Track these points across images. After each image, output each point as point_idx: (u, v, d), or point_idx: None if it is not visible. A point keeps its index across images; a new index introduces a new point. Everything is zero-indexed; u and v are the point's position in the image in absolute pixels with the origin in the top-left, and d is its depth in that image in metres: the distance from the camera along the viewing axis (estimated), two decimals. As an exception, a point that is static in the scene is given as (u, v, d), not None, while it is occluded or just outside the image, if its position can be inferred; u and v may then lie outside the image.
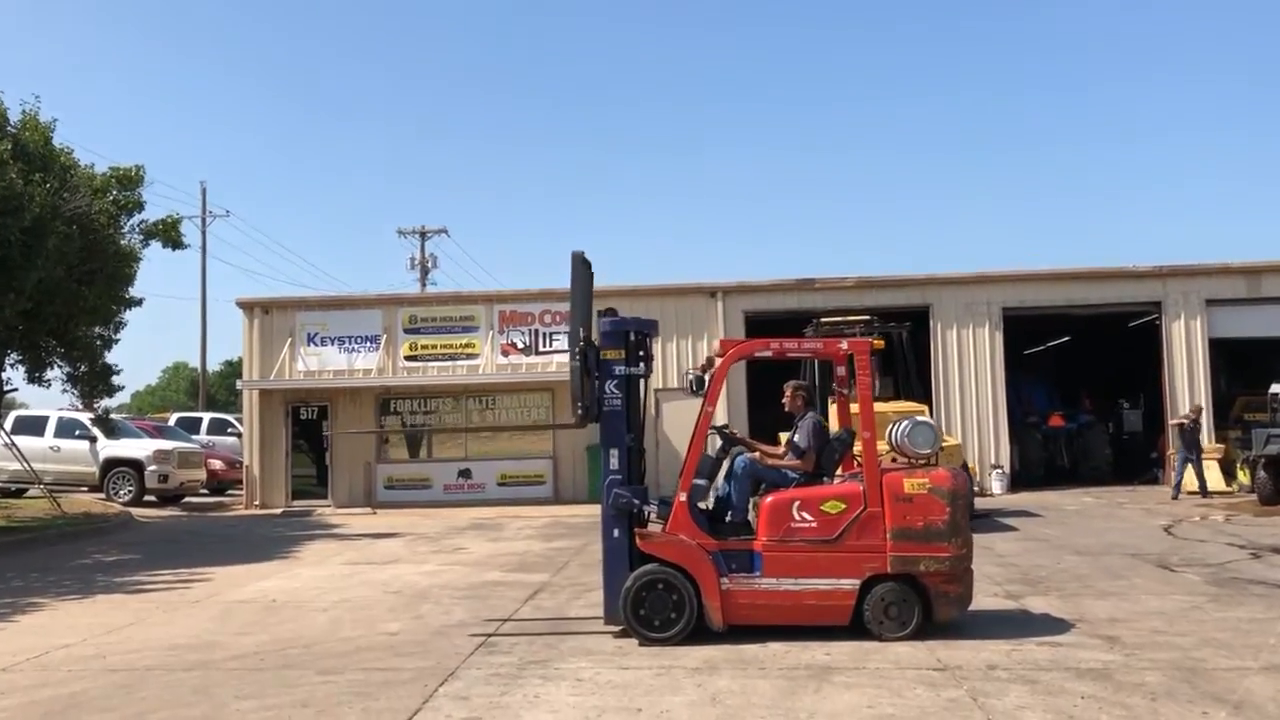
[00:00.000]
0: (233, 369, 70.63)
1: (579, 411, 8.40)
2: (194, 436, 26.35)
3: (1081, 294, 22.43)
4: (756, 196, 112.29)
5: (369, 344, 23.14)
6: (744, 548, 8.10)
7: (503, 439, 23.05)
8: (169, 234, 17.75)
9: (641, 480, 8.47)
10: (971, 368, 22.05)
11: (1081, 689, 6.56)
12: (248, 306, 23.49)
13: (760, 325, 23.00)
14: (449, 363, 23.06)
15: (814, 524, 7.99)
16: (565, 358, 22.40)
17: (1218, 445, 21.59)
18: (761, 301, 22.62)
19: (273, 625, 9.14)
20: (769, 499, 8.11)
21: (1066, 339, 27.31)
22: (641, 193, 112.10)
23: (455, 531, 16.94)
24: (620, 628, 8.22)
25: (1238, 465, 21.65)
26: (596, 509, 19.74)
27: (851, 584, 7.96)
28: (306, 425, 23.27)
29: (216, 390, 62.02)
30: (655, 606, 7.96)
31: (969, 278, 22.60)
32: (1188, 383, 21.87)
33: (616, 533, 8.26)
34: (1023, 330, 24.07)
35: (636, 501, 8.21)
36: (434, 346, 23.12)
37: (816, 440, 8.37)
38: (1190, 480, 20.21)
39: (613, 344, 8.42)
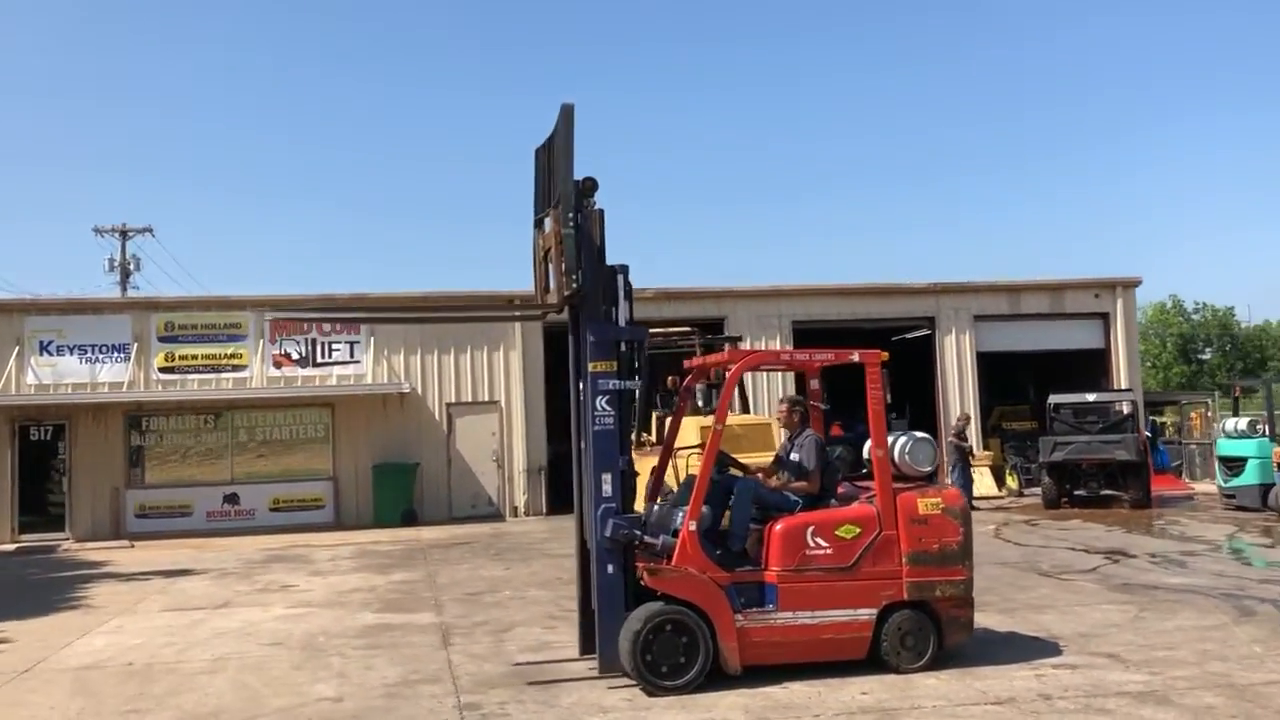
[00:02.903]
0: None
1: (574, 285, 7.36)
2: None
3: (865, 309, 23.18)
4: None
5: (116, 354, 20.33)
6: (754, 580, 7.35)
7: (274, 459, 20.84)
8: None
9: (633, 508, 7.51)
10: (764, 379, 22.17)
11: (1160, 717, 6.30)
12: (-37, 309, 20.07)
13: (559, 336, 22.10)
14: (212, 375, 20.64)
15: (829, 550, 7.38)
16: (346, 370, 20.80)
17: (987, 453, 22.88)
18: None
19: (167, 699, 7.44)
20: (779, 525, 7.40)
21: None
22: (411, 198, 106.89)
23: (257, 566, 15.01)
24: (614, 675, 7.26)
25: (1007, 472, 23.10)
26: (396, 534, 18.74)
27: (869, 614, 7.41)
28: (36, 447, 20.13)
29: None
30: (664, 651, 7.07)
31: (762, 291, 22.81)
32: (958, 394, 23.05)
33: (611, 568, 7.28)
34: (813, 343, 24.54)
35: (638, 533, 7.26)
36: (194, 357, 20.62)
37: (819, 460, 7.75)
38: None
39: (602, 355, 7.43)
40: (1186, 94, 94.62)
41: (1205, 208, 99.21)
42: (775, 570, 7.31)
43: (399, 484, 20.46)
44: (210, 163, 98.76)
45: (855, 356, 7.80)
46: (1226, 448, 18.12)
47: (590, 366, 7.40)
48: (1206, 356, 71.19)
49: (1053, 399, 20.14)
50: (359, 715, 6.84)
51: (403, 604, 11.27)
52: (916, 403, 25.64)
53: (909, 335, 24.16)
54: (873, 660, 7.42)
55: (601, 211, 7.63)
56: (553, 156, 7.72)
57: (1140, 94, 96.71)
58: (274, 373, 20.80)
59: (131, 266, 40.48)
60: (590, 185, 7.54)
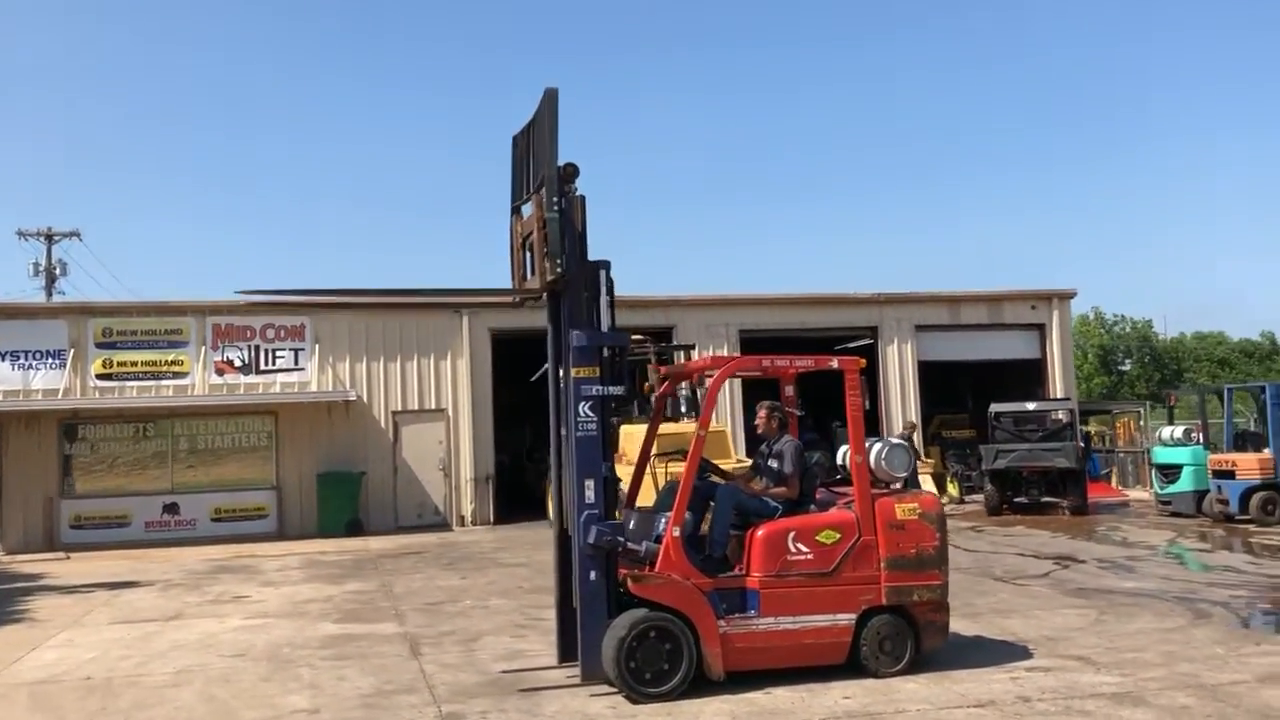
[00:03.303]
0: None
1: (558, 269, 7.35)
2: None
3: (811, 318, 23.38)
4: (484, 208, 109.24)
5: (52, 360, 19.76)
6: (736, 585, 7.38)
7: (216, 468, 20.37)
8: None
9: (615, 514, 7.49)
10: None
11: (1139, 717, 6.44)
12: (-111, 313, 19.37)
13: (506, 343, 22.07)
14: (152, 382, 20.16)
15: (810, 556, 7.43)
16: (290, 377, 20.46)
17: (929, 460, 23.22)
18: (509, 320, 21.59)
19: (134, 713, 7.25)
20: (761, 531, 7.44)
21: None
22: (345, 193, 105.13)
23: (204, 577, 14.67)
24: (594, 683, 7.25)
25: (948, 479, 23.46)
26: (343, 544, 18.49)
27: (848, 619, 7.48)
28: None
29: None
30: (648, 658, 7.06)
31: (710, 300, 22.91)
32: (900, 402, 23.37)
33: (594, 575, 7.25)
34: (760, 351, 24.72)
35: (621, 539, 7.24)
36: (134, 364, 20.12)
37: (799, 465, 7.81)
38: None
39: (585, 360, 7.41)
40: (1122, 115, 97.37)
41: (1126, 224, 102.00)
42: (757, 576, 7.34)
43: (344, 493, 20.16)
44: (147, 166, 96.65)
45: (834, 363, 7.89)
46: (1163, 455, 18.60)
47: (574, 372, 7.38)
48: (1126, 367, 73.27)
49: (994, 408, 20.48)
50: (341, 727, 6.72)
51: (362, 614, 11.11)
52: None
53: (852, 344, 24.44)
54: (851, 665, 7.48)
55: (583, 198, 7.62)
56: (534, 141, 7.71)
57: (1083, 113, 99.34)
58: (216, 380, 20.38)
59: (58, 271, 39.48)
60: (572, 170, 7.53)
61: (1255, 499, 16.51)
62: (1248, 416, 22.36)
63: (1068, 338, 24.71)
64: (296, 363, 20.78)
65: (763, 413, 8.20)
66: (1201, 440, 18.23)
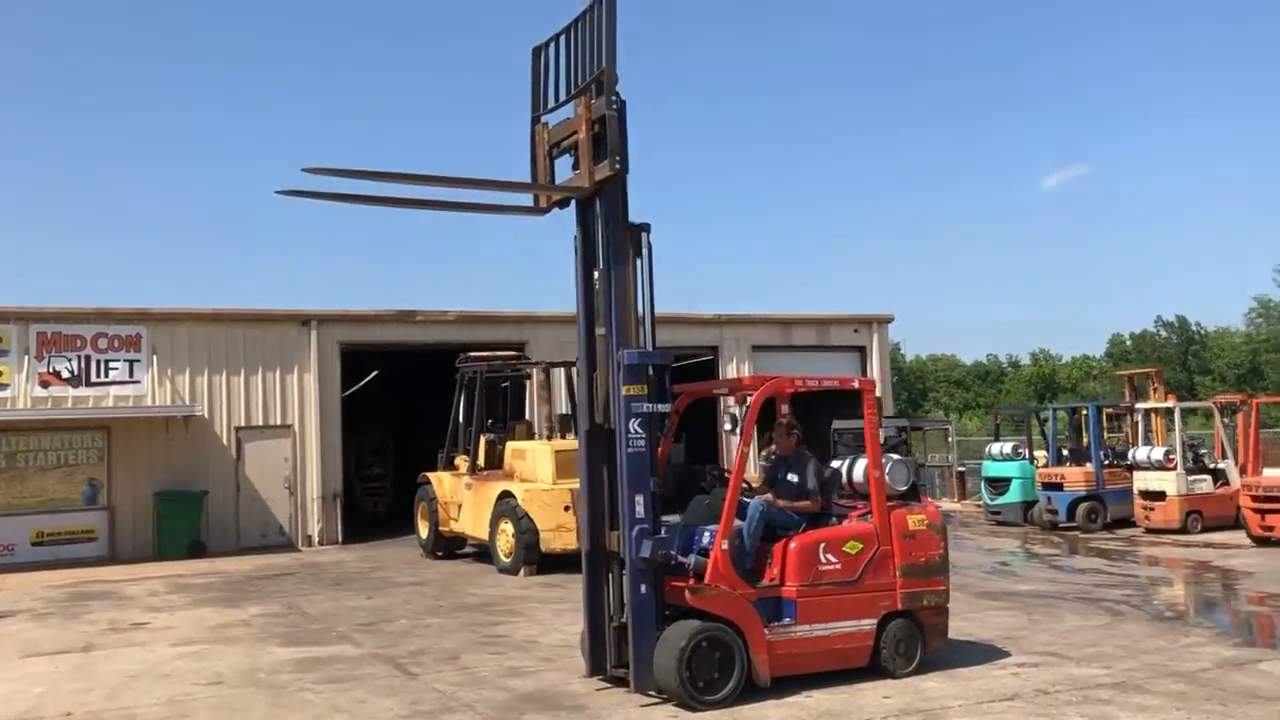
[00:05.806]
0: None
1: (617, 165, 7.55)
2: None
3: (657, 337, 23.86)
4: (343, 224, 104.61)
5: None
6: (773, 595, 7.70)
7: (38, 487, 18.77)
8: None
9: (660, 529, 7.64)
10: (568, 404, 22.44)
11: (1152, 703, 7.20)
12: None
13: (357, 356, 21.48)
14: (-35, 394, 18.45)
15: (838, 565, 7.87)
16: (123, 390, 19.25)
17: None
18: (359, 333, 21.06)
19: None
20: (795, 543, 7.80)
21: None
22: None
23: (70, 604, 13.55)
24: (642, 694, 7.40)
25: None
26: (192, 566, 17.71)
27: (870, 624, 7.96)
28: None
29: None
30: (701, 667, 7.27)
31: (561, 317, 22.75)
32: (738, 420, 24.23)
33: (644, 588, 7.40)
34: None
35: (674, 554, 7.43)
36: (-56, 374, 18.36)
37: (821, 480, 8.22)
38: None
39: (634, 379, 7.56)
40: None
41: (863, 250, 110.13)
42: (794, 585, 7.70)
43: (186, 513, 19.03)
44: None
45: (855, 383, 8.36)
46: (992, 469, 20.21)
47: (623, 390, 7.52)
48: (878, 387, 78.94)
49: (836, 424, 21.52)
50: (415, 749, 6.58)
51: (300, 637, 10.67)
52: (697, 429, 26.69)
53: (690, 361, 25.17)
54: (871, 668, 7.94)
55: (624, 102, 7.75)
56: (583, 41, 7.82)
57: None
58: (40, 392, 18.81)
59: None
60: (615, 75, 7.64)
61: (1081, 508, 18.25)
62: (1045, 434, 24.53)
63: (886, 359, 26.35)
64: (131, 375, 19.46)
65: (781, 430, 8.56)
66: (1028, 456, 19.94)
